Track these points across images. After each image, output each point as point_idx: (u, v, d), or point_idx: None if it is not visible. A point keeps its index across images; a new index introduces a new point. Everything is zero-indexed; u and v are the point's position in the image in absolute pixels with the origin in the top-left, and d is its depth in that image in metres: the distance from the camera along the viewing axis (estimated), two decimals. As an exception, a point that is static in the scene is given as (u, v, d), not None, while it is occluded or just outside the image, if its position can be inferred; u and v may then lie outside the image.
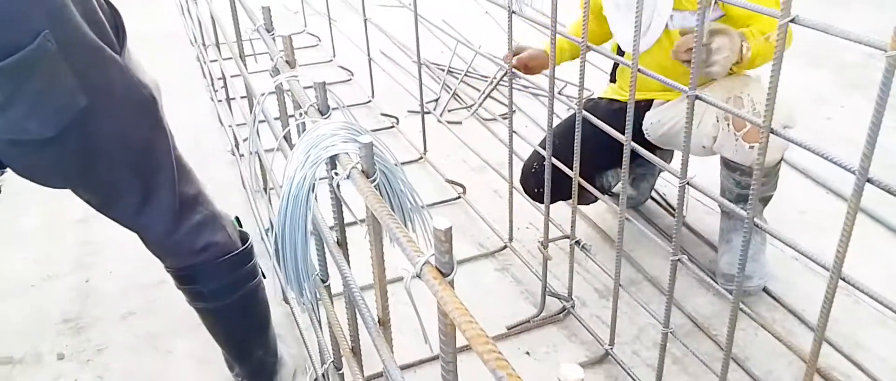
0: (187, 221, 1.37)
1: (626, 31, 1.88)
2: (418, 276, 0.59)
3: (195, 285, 1.45)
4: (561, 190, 1.86)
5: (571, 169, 1.67)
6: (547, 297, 1.95)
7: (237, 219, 1.54)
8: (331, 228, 1.06)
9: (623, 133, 1.47)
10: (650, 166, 2.31)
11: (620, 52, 2.02)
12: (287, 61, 1.11)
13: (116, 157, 1.22)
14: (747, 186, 1.86)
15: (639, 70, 1.38)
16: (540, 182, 1.97)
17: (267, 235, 2.20)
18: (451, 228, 0.58)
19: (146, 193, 1.30)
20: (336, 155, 0.82)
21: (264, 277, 1.56)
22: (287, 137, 1.25)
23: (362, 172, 0.78)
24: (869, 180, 0.99)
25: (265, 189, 2.20)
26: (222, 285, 1.45)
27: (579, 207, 2.26)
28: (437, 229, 0.57)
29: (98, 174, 1.23)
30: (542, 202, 1.89)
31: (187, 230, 1.37)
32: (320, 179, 0.92)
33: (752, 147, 1.78)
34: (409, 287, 0.60)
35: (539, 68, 2.13)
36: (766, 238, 2.00)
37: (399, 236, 0.63)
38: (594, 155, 1.78)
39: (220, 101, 3.10)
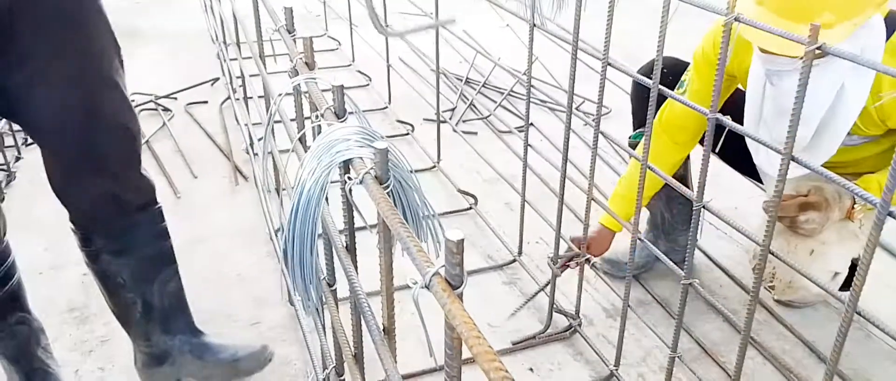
0: None
1: (768, 151, 1.61)
2: (427, 287, 0.58)
3: None
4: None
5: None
6: (554, 314, 1.93)
7: None
8: (340, 231, 1.05)
9: None
10: None
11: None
12: (306, 63, 1.11)
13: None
14: None
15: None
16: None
17: (277, 235, 2.20)
18: (463, 240, 0.57)
19: None
20: (350, 159, 0.81)
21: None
22: (302, 140, 1.25)
23: (376, 178, 0.77)
24: (890, 214, 0.97)
25: (278, 190, 2.20)
26: None
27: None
28: (449, 239, 0.56)
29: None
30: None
31: None
32: (333, 182, 0.91)
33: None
34: (416, 298, 0.59)
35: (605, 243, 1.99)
36: None
37: (410, 245, 0.62)
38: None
39: (238, 99, 3.11)
